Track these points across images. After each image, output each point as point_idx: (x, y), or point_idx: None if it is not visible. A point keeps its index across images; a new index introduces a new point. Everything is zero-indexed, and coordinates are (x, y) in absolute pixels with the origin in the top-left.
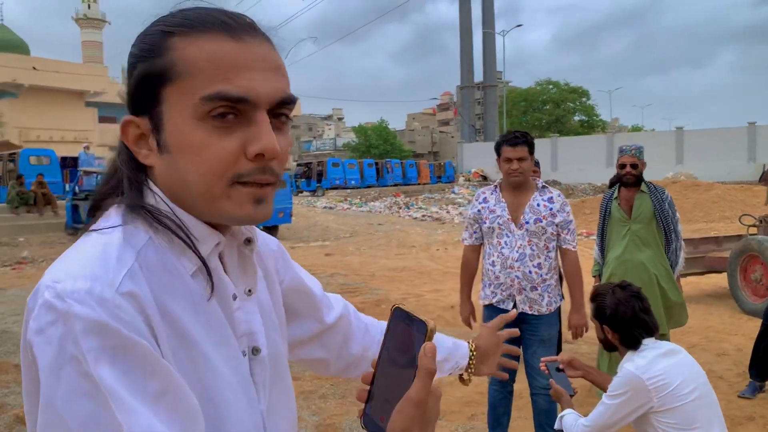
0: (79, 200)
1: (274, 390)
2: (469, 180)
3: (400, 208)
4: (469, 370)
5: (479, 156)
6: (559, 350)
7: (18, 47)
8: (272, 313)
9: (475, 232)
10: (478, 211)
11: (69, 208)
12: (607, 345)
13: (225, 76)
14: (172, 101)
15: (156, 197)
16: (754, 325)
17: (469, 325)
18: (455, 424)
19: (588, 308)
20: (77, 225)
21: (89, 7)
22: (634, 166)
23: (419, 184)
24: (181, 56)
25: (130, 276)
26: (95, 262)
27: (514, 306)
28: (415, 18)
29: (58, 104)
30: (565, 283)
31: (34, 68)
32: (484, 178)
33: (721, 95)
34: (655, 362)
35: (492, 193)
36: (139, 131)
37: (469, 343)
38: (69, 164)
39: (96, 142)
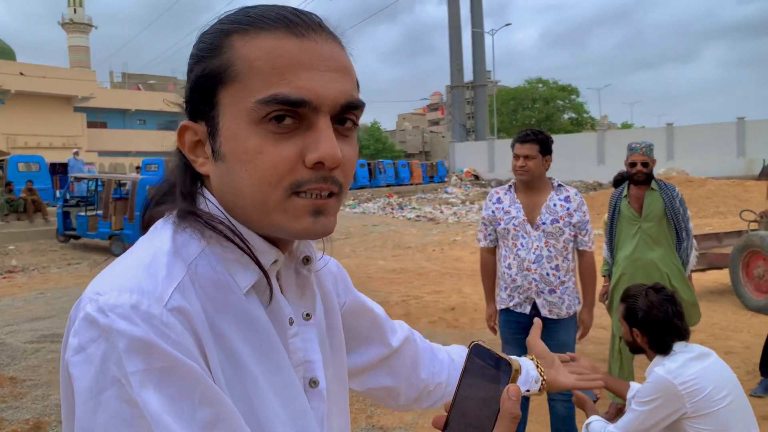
0: (70, 207)
1: (333, 425)
2: (461, 179)
3: (394, 208)
4: (543, 382)
5: (471, 155)
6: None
7: (4, 53)
8: (333, 338)
9: (489, 234)
10: (492, 212)
11: (60, 215)
12: (633, 347)
13: (283, 76)
14: (227, 105)
15: (209, 204)
16: (759, 321)
17: (492, 328)
18: None
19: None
20: (68, 232)
21: (75, 11)
22: (644, 164)
23: (412, 184)
24: (238, 55)
25: (181, 290)
26: (143, 274)
27: (533, 309)
28: (405, 19)
29: (46, 110)
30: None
31: (21, 74)
32: (476, 177)
33: (710, 91)
34: (686, 366)
35: (506, 194)
36: (195, 138)
37: (528, 357)
38: (58, 170)
39: (85, 148)
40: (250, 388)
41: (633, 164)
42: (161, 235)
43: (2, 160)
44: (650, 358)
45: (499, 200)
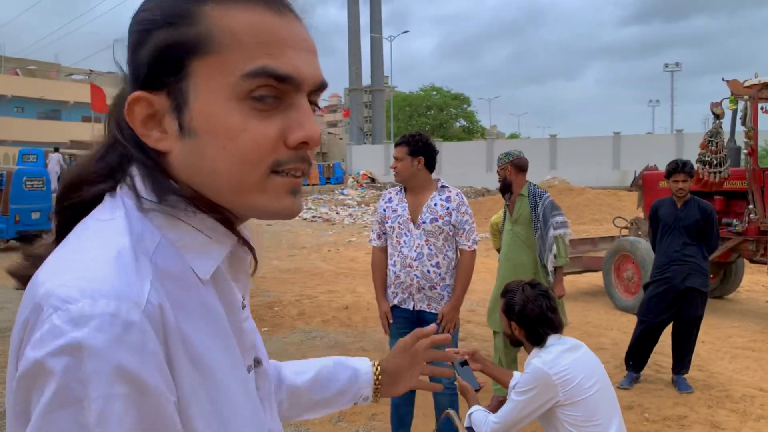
0: None
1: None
2: (357, 181)
3: None
4: (377, 396)
5: (368, 158)
6: None
7: None
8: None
9: (383, 233)
10: (384, 210)
11: None
12: (513, 340)
13: (268, 51)
14: (202, 77)
15: (174, 186)
16: (627, 320)
17: (386, 325)
18: (356, 425)
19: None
20: None
21: None
22: (499, 173)
23: (308, 184)
24: (218, 26)
25: (155, 289)
26: (113, 272)
27: (414, 306)
28: (306, 20)
29: None
30: None
31: None
32: (373, 180)
33: (590, 106)
34: (560, 357)
35: (397, 194)
36: (150, 110)
37: (374, 365)
38: None
39: None
40: (216, 391)
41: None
42: (115, 222)
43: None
44: (528, 350)
45: (390, 200)
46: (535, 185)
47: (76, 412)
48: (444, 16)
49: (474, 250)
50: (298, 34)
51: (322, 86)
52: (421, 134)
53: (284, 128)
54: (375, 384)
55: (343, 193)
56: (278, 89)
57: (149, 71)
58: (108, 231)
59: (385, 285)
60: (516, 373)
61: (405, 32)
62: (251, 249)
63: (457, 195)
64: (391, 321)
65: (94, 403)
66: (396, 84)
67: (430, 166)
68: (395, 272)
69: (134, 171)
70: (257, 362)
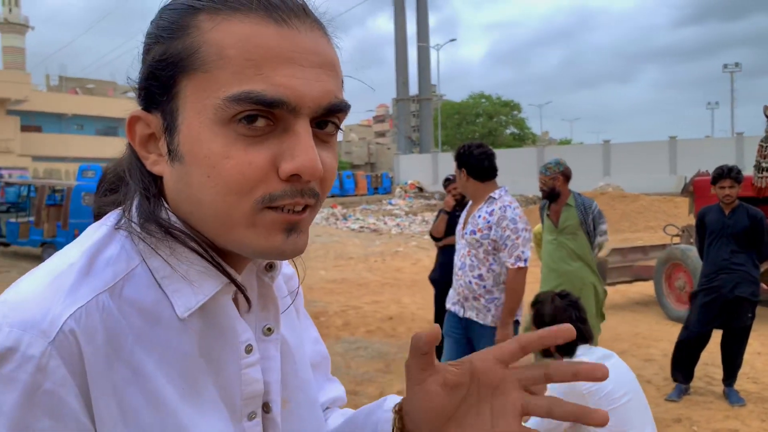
0: (0, 213)
1: None
2: (405, 191)
3: (338, 219)
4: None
5: (416, 168)
6: None
7: None
8: (298, 353)
9: None
10: None
11: None
12: (543, 351)
13: (258, 70)
14: (189, 97)
15: (168, 213)
16: (678, 330)
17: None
18: None
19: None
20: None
21: (10, 11)
22: (545, 184)
23: (356, 195)
24: (206, 40)
25: (78, 318)
26: (41, 294)
27: (463, 312)
28: (355, 32)
29: None
30: None
31: None
32: (420, 189)
33: (645, 110)
34: None
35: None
36: (148, 130)
37: (393, 409)
38: None
39: (18, 152)
40: (171, 429)
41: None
42: (89, 240)
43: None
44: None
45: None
46: (580, 194)
47: None
48: (493, 24)
49: (519, 268)
50: (303, 46)
51: (333, 108)
52: (466, 144)
53: (276, 156)
54: (394, 423)
55: (390, 203)
56: (270, 113)
57: (145, 88)
58: (73, 250)
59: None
60: (550, 386)
61: (452, 40)
62: (241, 290)
63: (500, 209)
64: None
65: None
66: (444, 92)
67: (476, 175)
68: (455, 278)
69: (135, 192)
70: (267, 407)
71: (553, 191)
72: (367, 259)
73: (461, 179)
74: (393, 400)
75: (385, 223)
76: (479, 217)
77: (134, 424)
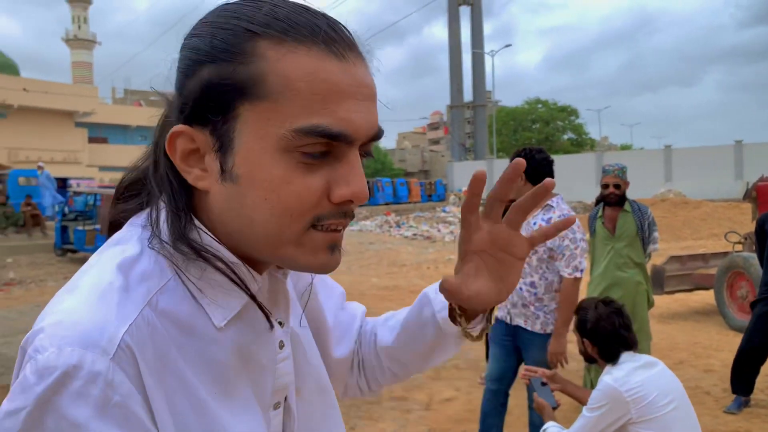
0: (69, 221)
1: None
2: (459, 198)
3: (391, 226)
4: (457, 314)
5: (470, 174)
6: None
7: (8, 68)
8: (307, 342)
9: None
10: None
11: (58, 228)
12: (586, 357)
13: (324, 105)
14: (251, 122)
15: (200, 233)
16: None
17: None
18: None
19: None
20: (66, 246)
21: (79, 27)
22: (616, 186)
23: (410, 202)
24: (273, 70)
25: (132, 333)
26: (91, 312)
27: (510, 319)
28: (411, 40)
29: (48, 124)
30: None
31: (24, 89)
32: None
33: (709, 114)
34: (632, 374)
35: None
36: (192, 146)
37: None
38: (58, 185)
39: (86, 162)
40: None
41: (606, 186)
42: (119, 254)
43: (3, 174)
44: (602, 367)
45: None
46: (634, 201)
47: None
48: (550, 28)
49: (575, 278)
50: (358, 80)
51: (376, 137)
52: (527, 148)
53: (330, 183)
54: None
55: (444, 211)
56: (330, 143)
57: (195, 105)
58: (108, 265)
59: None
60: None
61: (507, 46)
62: (262, 309)
63: (559, 218)
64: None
65: None
66: (499, 98)
67: (535, 181)
68: None
69: (162, 204)
70: (285, 399)
71: (624, 195)
72: (419, 267)
73: (517, 182)
74: (431, 289)
75: (439, 231)
76: (534, 224)
77: (184, 430)
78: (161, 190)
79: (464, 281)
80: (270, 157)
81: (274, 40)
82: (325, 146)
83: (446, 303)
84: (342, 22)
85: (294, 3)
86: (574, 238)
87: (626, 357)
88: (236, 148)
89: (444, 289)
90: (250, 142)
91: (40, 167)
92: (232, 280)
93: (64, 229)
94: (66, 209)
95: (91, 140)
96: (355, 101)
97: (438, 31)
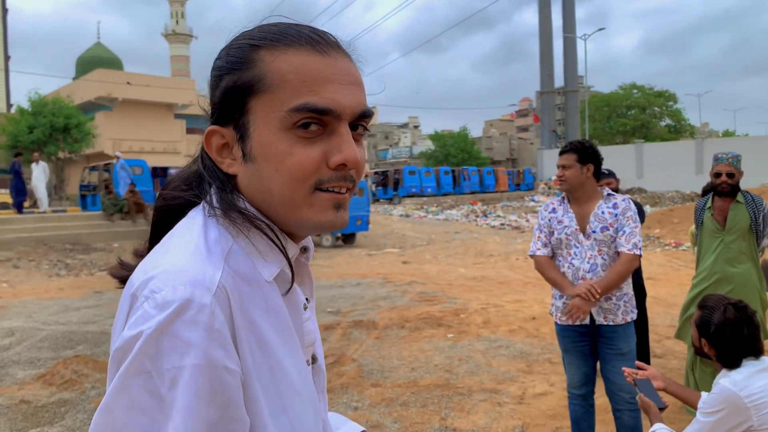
0: None
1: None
2: (549, 187)
3: (478, 216)
4: None
5: None
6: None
7: (113, 63)
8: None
9: (549, 242)
10: (549, 220)
11: None
12: (699, 352)
13: (311, 88)
14: (258, 112)
15: (245, 203)
16: None
17: (594, 295)
18: None
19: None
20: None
21: (177, 23)
22: (730, 175)
23: (497, 191)
24: (270, 69)
25: (225, 279)
26: (192, 263)
27: (590, 316)
28: (501, 27)
29: (149, 116)
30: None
31: (128, 83)
32: None
33: None
34: (753, 378)
35: (560, 204)
36: (222, 141)
37: None
38: (159, 173)
39: (184, 152)
40: (277, 371)
41: (718, 174)
42: (195, 226)
43: (108, 164)
44: (717, 369)
45: (553, 210)
46: (747, 191)
47: (146, 380)
48: (648, 10)
49: (636, 255)
50: (341, 69)
51: (364, 114)
52: (587, 142)
53: (326, 152)
54: None
55: (533, 200)
56: (321, 119)
57: (220, 109)
58: (189, 233)
59: (564, 276)
60: (704, 394)
61: (601, 29)
62: (290, 265)
63: (623, 201)
64: (596, 294)
65: (167, 373)
66: (592, 84)
67: (598, 175)
68: None
69: (213, 190)
70: (314, 359)
71: (738, 184)
72: (508, 257)
73: (583, 174)
74: None
75: (527, 221)
76: (603, 213)
77: (251, 362)
78: (211, 178)
79: None
80: (275, 136)
81: (269, 47)
82: (317, 120)
83: None
84: (327, 30)
85: (287, 22)
86: (635, 218)
87: (749, 361)
88: (251, 135)
89: None
90: (260, 127)
91: (117, 157)
92: (272, 240)
93: None
94: None
95: (189, 131)
96: (339, 85)
97: (528, 17)
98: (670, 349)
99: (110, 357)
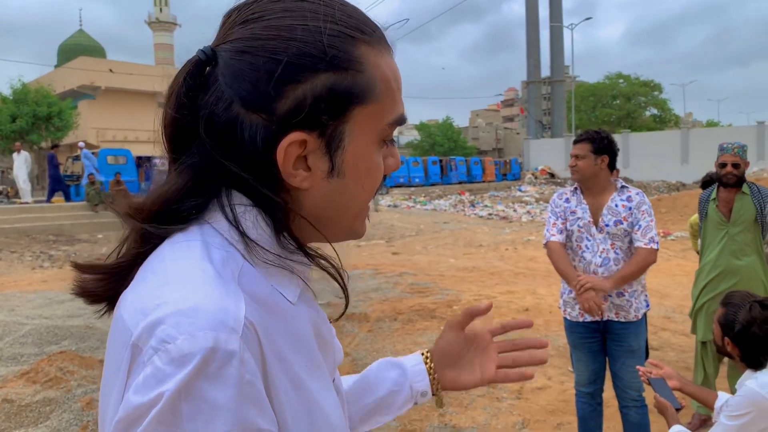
0: None
1: None
2: (536, 177)
3: (465, 206)
4: (436, 388)
5: (546, 153)
6: (646, 358)
7: (95, 51)
8: None
9: (565, 229)
10: (562, 209)
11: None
12: (720, 351)
13: (398, 96)
14: (360, 122)
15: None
16: None
17: (600, 309)
18: None
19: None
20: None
21: (161, 10)
22: (735, 165)
23: (484, 181)
24: (377, 74)
25: (249, 312)
26: (205, 299)
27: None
28: (488, 18)
29: (133, 105)
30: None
31: (110, 71)
32: (552, 175)
33: None
34: None
35: (573, 194)
36: (303, 150)
37: (423, 354)
38: (143, 163)
39: None
40: (316, 413)
41: (723, 165)
42: (195, 246)
43: (93, 153)
44: (740, 369)
45: (567, 200)
46: (753, 182)
47: None
48: (633, 0)
49: (653, 249)
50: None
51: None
52: (604, 132)
53: (385, 158)
54: (430, 374)
55: (520, 190)
56: None
57: (309, 111)
58: (189, 255)
59: (575, 270)
60: (722, 394)
61: (587, 19)
62: (308, 286)
63: (637, 194)
64: (603, 302)
65: None
66: (578, 74)
67: (612, 166)
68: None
69: (236, 200)
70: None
71: (743, 175)
72: (497, 248)
73: (597, 164)
74: (410, 358)
75: (515, 211)
76: (617, 206)
77: (286, 403)
78: (221, 188)
79: (456, 379)
80: (370, 149)
81: (368, 44)
82: None
83: (425, 381)
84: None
85: (349, 3)
86: (650, 212)
87: None
88: (346, 147)
89: (443, 388)
90: (358, 138)
91: (80, 147)
92: (328, 271)
93: None
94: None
95: None
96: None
97: (515, 7)
98: (667, 341)
99: (112, 427)
